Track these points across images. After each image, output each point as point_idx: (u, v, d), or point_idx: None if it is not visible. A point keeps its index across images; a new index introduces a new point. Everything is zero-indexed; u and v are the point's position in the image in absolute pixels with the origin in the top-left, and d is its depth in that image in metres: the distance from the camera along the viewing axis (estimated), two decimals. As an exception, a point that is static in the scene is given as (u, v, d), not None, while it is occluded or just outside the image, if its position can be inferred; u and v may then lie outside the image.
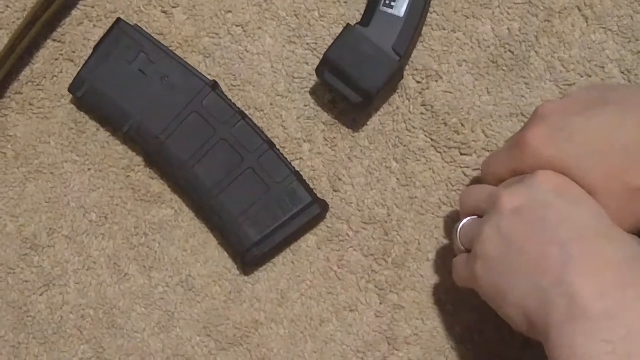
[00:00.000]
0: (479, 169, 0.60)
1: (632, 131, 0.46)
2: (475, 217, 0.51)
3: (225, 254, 0.61)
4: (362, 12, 0.60)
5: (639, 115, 0.47)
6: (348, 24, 0.57)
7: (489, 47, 0.60)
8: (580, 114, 0.48)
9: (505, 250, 0.47)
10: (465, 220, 0.52)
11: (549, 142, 0.48)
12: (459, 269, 0.52)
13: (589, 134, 0.47)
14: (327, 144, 0.61)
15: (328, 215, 0.60)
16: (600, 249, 0.45)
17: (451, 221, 0.60)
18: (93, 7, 0.62)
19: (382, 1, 0.57)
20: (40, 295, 0.61)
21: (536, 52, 0.60)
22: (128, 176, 0.61)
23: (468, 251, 0.51)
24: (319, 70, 0.58)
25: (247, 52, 0.62)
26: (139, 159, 0.62)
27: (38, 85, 0.62)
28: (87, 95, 0.60)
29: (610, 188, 0.47)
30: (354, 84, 0.57)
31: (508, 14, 0.60)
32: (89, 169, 0.62)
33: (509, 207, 0.47)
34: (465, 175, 0.60)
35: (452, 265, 0.53)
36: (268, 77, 0.61)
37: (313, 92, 0.61)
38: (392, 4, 0.57)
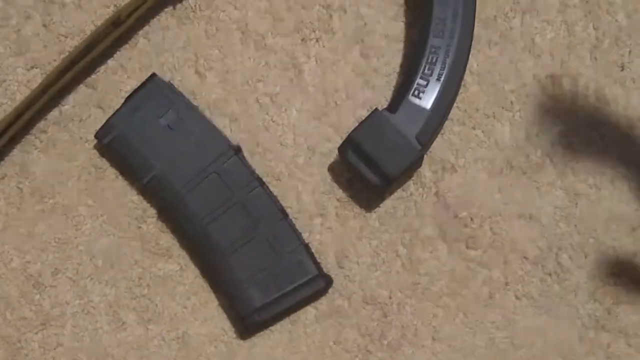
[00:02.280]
0: (482, 264, 0.61)
1: None
2: None
3: (225, 315, 0.61)
4: (388, 98, 0.63)
5: None
6: (376, 109, 0.59)
7: (505, 148, 0.62)
8: None
9: None
10: None
11: None
12: None
13: None
14: (338, 220, 0.62)
15: (330, 290, 0.61)
16: None
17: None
18: (130, 58, 0.64)
19: (411, 92, 0.59)
20: (36, 333, 0.61)
21: (550, 159, 0.62)
22: (139, 227, 0.62)
23: None
24: (342, 148, 0.59)
25: (273, 121, 0.63)
26: (152, 211, 0.62)
27: (64, 127, 0.63)
28: (112, 143, 0.61)
29: None
30: (374, 167, 0.58)
31: (527, 119, 0.63)
32: (102, 215, 0.62)
33: None
34: (469, 268, 0.61)
35: None
36: (289, 149, 0.63)
37: (331, 168, 0.63)
38: (421, 95, 0.59)
